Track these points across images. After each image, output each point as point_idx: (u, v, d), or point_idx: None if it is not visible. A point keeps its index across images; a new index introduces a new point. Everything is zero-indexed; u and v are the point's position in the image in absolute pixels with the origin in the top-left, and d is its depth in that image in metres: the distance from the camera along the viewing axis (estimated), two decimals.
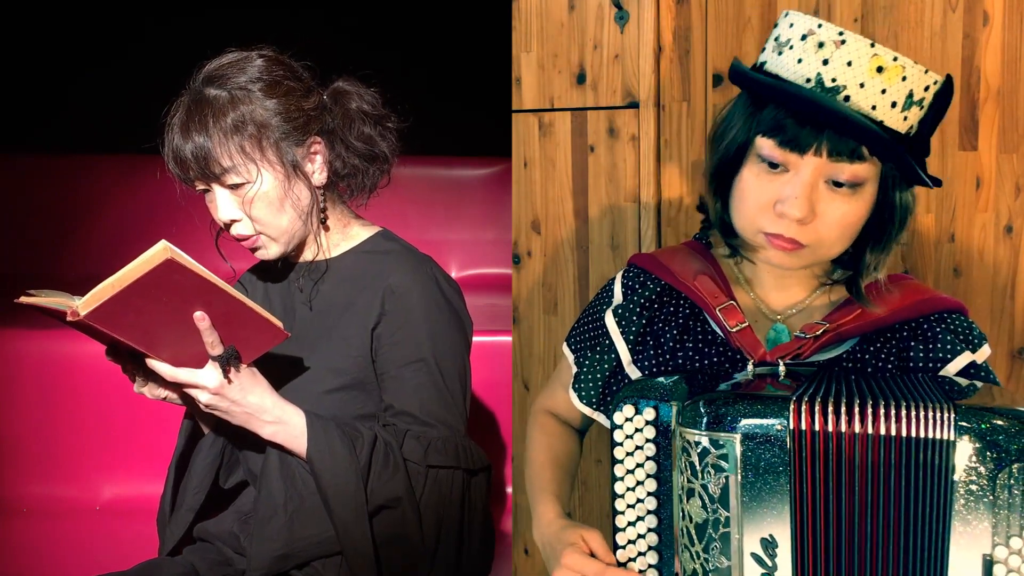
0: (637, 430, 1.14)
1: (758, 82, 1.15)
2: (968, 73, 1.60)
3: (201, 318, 1.15)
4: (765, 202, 1.15)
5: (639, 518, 1.16)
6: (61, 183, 3.15)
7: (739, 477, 1.06)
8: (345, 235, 1.42)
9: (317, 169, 1.35)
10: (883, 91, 1.10)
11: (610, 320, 1.31)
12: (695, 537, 1.09)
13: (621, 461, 1.16)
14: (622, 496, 1.17)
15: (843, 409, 1.04)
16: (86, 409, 2.34)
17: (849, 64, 1.10)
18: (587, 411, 1.34)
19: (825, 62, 1.11)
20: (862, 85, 1.10)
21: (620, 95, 1.77)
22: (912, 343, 1.21)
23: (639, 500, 1.16)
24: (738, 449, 1.06)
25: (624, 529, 1.17)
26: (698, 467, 1.07)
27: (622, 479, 1.17)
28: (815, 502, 1.05)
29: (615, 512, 1.18)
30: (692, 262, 1.30)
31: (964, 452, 1.01)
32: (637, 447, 1.15)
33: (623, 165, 1.78)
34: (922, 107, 1.14)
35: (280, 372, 1.35)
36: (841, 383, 1.10)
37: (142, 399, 1.33)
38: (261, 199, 1.29)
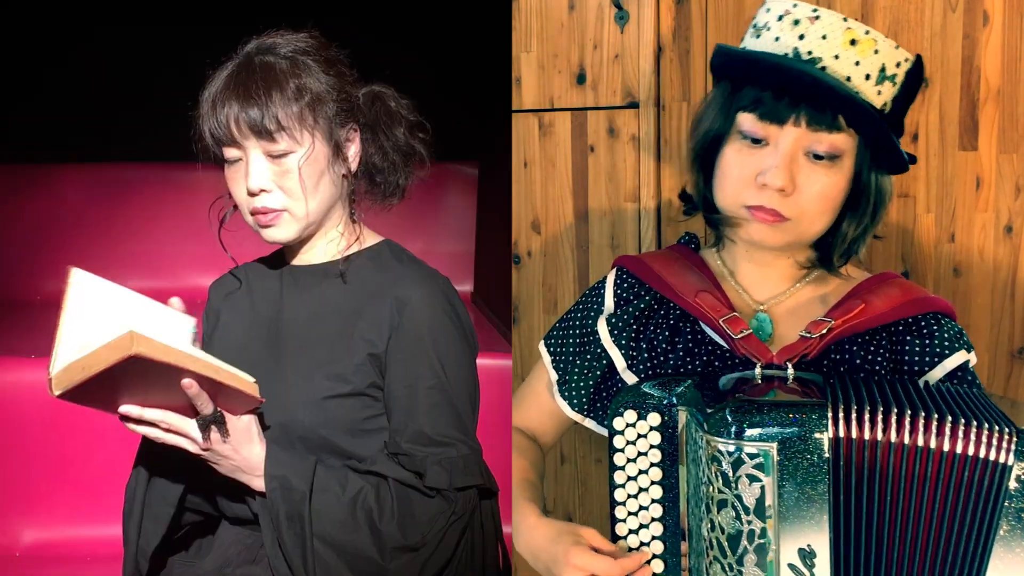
0: (640, 436, 1.13)
1: (740, 54, 1.19)
2: (968, 73, 1.60)
3: (189, 385, 1.12)
4: (747, 175, 1.18)
5: (642, 525, 1.14)
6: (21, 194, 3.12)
7: (776, 487, 1.03)
8: (351, 239, 1.39)
9: (351, 157, 1.34)
10: (856, 63, 1.15)
11: (603, 329, 1.31)
12: (727, 548, 1.05)
13: (622, 467, 1.15)
14: (623, 503, 1.15)
15: (879, 418, 1.03)
16: (4, 448, 2.17)
17: (824, 37, 1.15)
18: (577, 418, 1.34)
19: (801, 37, 1.15)
20: (836, 57, 1.14)
21: (620, 95, 1.77)
22: (907, 338, 1.21)
23: (642, 507, 1.14)
24: (775, 458, 1.02)
25: (626, 537, 1.16)
26: (731, 477, 1.04)
27: (623, 485, 1.15)
28: (856, 512, 1.03)
29: (615, 519, 1.16)
30: (689, 275, 1.30)
31: (1019, 478, 1.00)
32: (640, 453, 1.13)
33: (623, 165, 1.78)
34: (895, 83, 1.17)
35: (281, 376, 1.33)
36: (871, 389, 1.08)
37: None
38: (304, 169, 1.26)
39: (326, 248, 1.37)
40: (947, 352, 1.20)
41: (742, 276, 1.30)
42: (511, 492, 1.39)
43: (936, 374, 1.19)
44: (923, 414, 1.03)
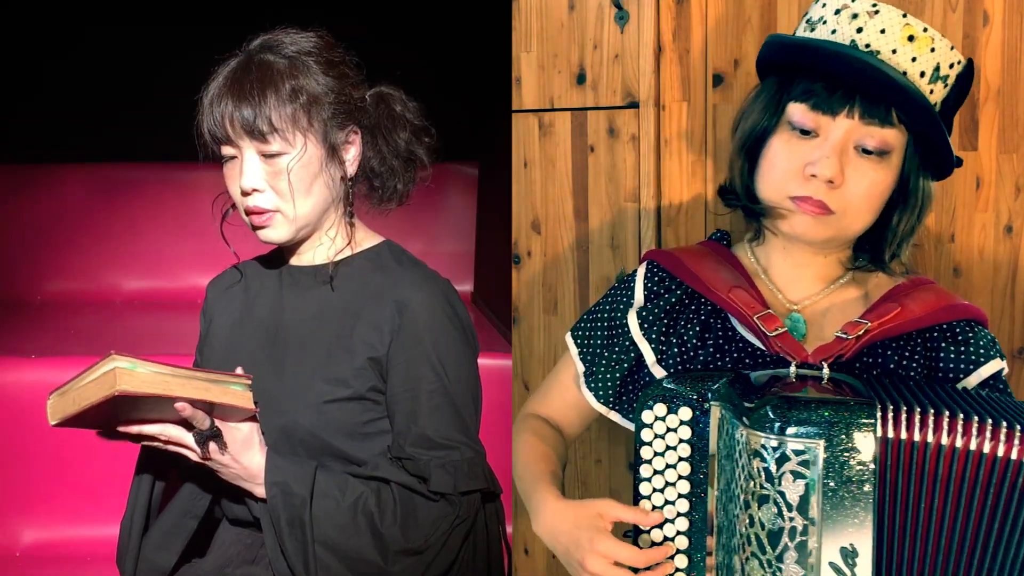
0: (670, 430, 1.12)
1: (801, 42, 1.18)
2: None
3: (182, 408, 1.13)
4: (795, 167, 1.18)
5: (667, 520, 1.14)
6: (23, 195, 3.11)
7: (820, 484, 1.01)
8: (351, 240, 1.38)
9: (350, 160, 1.33)
10: (913, 59, 1.15)
11: (633, 322, 1.30)
12: (767, 545, 1.04)
13: (649, 461, 1.14)
14: (648, 497, 1.15)
15: (928, 419, 1.02)
16: (4, 448, 2.20)
17: (882, 32, 1.15)
18: (603, 410, 1.33)
19: (859, 30, 1.15)
20: (894, 51, 1.14)
21: (620, 95, 1.77)
22: (942, 344, 1.20)
23: (668, 502, 1.13)
24: (821, 455, 1.01)
25: (649, 531, 1.15)
26: (774, 473, 1.02)
27: (649, 480, 1.14)
28: (901, 513, 1.03)
29: None
30: (721, 271, 1.29)
31: None
32: (669, 447, 1.13)
33: (623, 165, 1.78)
34: (946, 84, 1.17)
35: (281, 379, 1.33)
36: (913, 391, 1.07)
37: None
38: (295, 172, 1.25)
39: (325, 250, 1.36)
40: (982, 360, 1.19)
41: (776, 275, 1.29)
42: (511, 490, 1.38)
43: (971, 381, 1.19)
44: (975, 417, 1.02)
